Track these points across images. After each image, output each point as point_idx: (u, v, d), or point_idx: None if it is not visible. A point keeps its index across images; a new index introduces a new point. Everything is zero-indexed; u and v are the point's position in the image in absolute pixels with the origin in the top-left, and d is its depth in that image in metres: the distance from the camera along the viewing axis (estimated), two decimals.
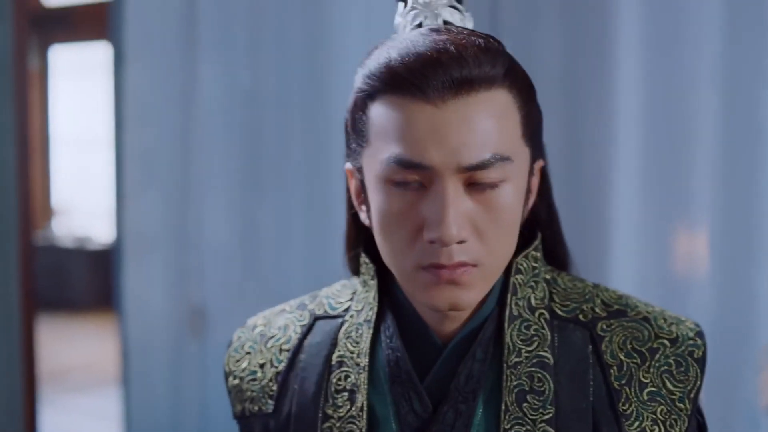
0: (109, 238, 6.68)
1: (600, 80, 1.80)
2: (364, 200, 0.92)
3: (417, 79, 0.81)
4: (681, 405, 0.89)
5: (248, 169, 2.47)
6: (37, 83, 7.57)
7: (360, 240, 0.99)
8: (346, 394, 0.92)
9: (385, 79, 0.83)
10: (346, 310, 0.98)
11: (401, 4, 0.92)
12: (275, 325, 1.01)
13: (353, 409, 0.91)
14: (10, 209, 2.94)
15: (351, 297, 0.99)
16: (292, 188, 2.38)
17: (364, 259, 0.97)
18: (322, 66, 2.30)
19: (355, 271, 1.01)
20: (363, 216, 0.94)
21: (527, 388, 0.88)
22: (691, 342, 0.92)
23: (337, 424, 0.91)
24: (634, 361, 0.91)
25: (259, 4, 2.42)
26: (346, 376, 0.93)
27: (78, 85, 7.64)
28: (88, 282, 7.31)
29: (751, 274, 1.70)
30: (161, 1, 2.62)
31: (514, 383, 0.89)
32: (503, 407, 0.88)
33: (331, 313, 0.99)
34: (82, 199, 7.83)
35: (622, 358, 0.91)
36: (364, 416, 0.90)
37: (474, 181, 0.83)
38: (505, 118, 0.84)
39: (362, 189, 0.91)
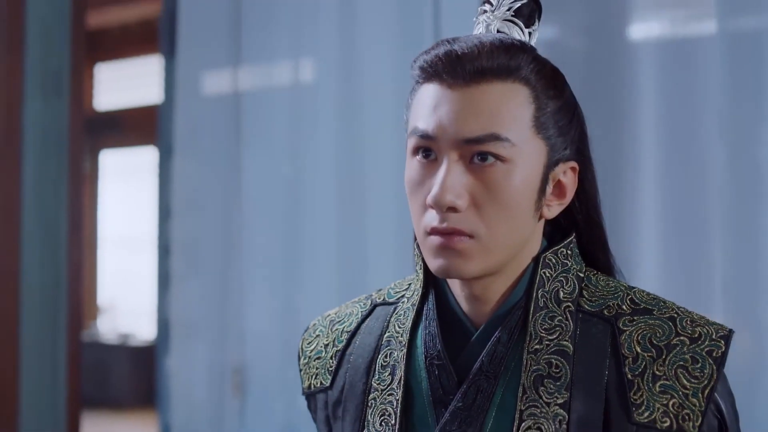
0: (151, 335, 6.75)
1: (616, 160, 1.93)
2: None
3: (441, 69, 0.96)
4: (694, 400, 0.93)
5: (288, 256, 2.57)
6: (88, 186, 7.78)
7: None
8: (389, 368, 1.02)
9: (422, 69, 0.98)
10: (402, 297, 1.08)
11: None
12: (344, 312, 1.13)
13: (393, 382, 1.01)
14: (61, 308, 3.03)
15: (408, 286, 1.09)
16: (330, 274, 2.47)
17: (416, 249, 1.06)
18: (357, 156, 2.41)
19: None
20: None
21: (545, 374, 0.95)
22: (713, 342, 0.95)
23: (380, 395, 1.01)
24: (650, 354, 0.95)
25: (298, 98, 2.57)
26: (391, 353, 1.03)
27: (124, 187, 7.85)
28: (130, 379, 7.35)
29: (759, 319, 1.77)
30: (208, 100, 2.77)
31: (533, 368, 0.96)
32: (521, 389, 0.95)
33: (389, 300, 1.10)
34: (125, 297, 7.95)
35: (639, 350, 0.95)
36: (401, 389, 1.00)
37: (476, 156, 0.94)
38: (516, 108, 0.95)
39: None
